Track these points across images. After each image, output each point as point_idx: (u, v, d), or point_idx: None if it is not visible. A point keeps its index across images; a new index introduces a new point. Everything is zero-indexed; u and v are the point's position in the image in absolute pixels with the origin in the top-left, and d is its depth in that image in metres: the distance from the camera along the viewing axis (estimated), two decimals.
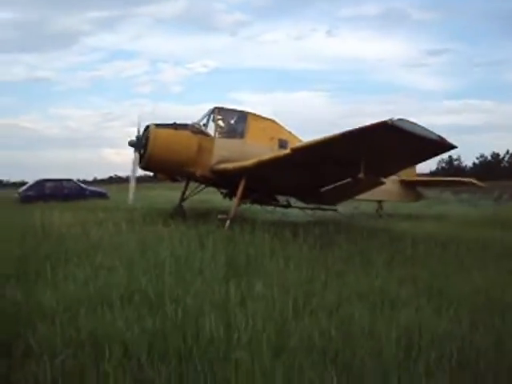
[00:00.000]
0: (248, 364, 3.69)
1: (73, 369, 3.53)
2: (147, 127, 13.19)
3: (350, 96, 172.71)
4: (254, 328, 4.49)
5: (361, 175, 9.54)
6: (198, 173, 13.17)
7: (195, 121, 13.87)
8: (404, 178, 17.59)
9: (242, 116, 14.13)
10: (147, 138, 12.93)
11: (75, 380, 3.43)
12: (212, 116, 13.83)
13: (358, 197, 13.83)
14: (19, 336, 4.16)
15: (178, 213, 14.94)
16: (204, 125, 13.75)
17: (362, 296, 6.01)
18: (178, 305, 5.05)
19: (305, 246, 8.89)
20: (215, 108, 13.88)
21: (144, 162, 13.10)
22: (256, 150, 12.72)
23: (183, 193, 15.97)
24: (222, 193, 15.93)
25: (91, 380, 3.43)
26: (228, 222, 11.53)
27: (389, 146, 9.09)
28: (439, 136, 8.56)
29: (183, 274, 6.67)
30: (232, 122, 14.34)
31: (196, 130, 13.28)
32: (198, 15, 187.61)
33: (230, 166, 12.64)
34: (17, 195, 27.88)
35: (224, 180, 13.41)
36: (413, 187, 18.33)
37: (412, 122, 8.31)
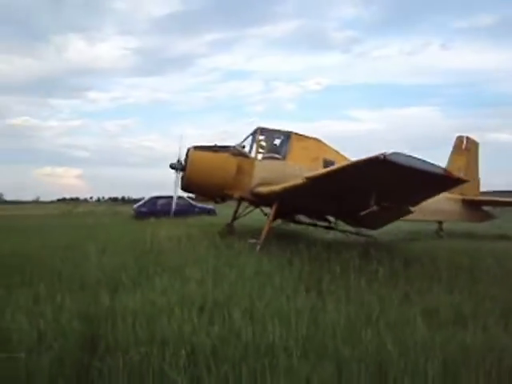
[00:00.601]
0: (295, 371, 4.01)
1: (139, 364, 4.07)
2: (188, 150, 13.49)
3: (465, 110, 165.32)
4: (310, 338, 4.80)
5: (373, 207, 9.15)
6: (237, 195, 13.28)
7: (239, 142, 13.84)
8: (467, 197, 16.77)
9: (285, 136, 13.89)
10: (186, 161, 13.34)
11: (139, 374, 3.98)
12: (255, 136, 13.76)
13: (415, 218, 13.11)
14: (103, 335, 4.82)
15: (228, 232, 15.06)
16: (245, 146, 13.69)
17: (434, 312, 6.06)
18: (246, 314, 5.51)
19: (387, 263, 8.95)
20: (258, 128, 13.76)
21: (183, 183, 13.51)
22: (298, 171, 12.44)
23: (235, 212, 16.14)
24: (265, 214, 15.51)
25: (153, 376, 3.95)
26: (258, 246, 11.36)
27: (389, 179, 8.64)
28: (443, 169, 8.10)
29: (262, 287, 7.10)
30: (274, 142, 14.14)
31: (236, 151, 13.31)
32: (310, 34, 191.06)
33: (263, 189, 12.55)
34: (132, 211, 30.14)
35: (263, 202, 13.38)
36: (477, 207, 17.27)
37: (409, 156, 7.86)
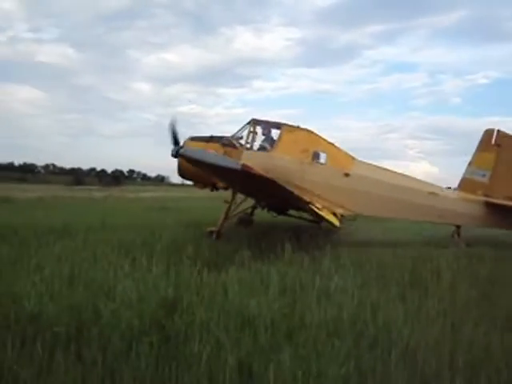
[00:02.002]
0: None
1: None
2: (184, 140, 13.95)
3: None
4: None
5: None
6: (221, 184, 13.69)
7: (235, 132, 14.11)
8: (492, 199, 14.16)
9: (276, 128, 13.93)
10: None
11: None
12: (249, 128, 13.94)
13: (423, 220, 13.84)
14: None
15: (244, 221, 15.60)
16: (242, 137, 13.94)
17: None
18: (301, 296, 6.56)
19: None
20: (252, 120, 13.93)
21: (178, 171, 14.05)
22: (283, 162, 13.02)
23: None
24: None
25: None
26: (214, 235, 12.20)
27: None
28: (243, 165, 8.10)
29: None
30: (264, 134, 14.14)
31: (227, 142, 13.57)
32: (479, 23, 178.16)
33: None
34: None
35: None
36: (506, 211, 13.99)
37: (206, 152, 8.05)
